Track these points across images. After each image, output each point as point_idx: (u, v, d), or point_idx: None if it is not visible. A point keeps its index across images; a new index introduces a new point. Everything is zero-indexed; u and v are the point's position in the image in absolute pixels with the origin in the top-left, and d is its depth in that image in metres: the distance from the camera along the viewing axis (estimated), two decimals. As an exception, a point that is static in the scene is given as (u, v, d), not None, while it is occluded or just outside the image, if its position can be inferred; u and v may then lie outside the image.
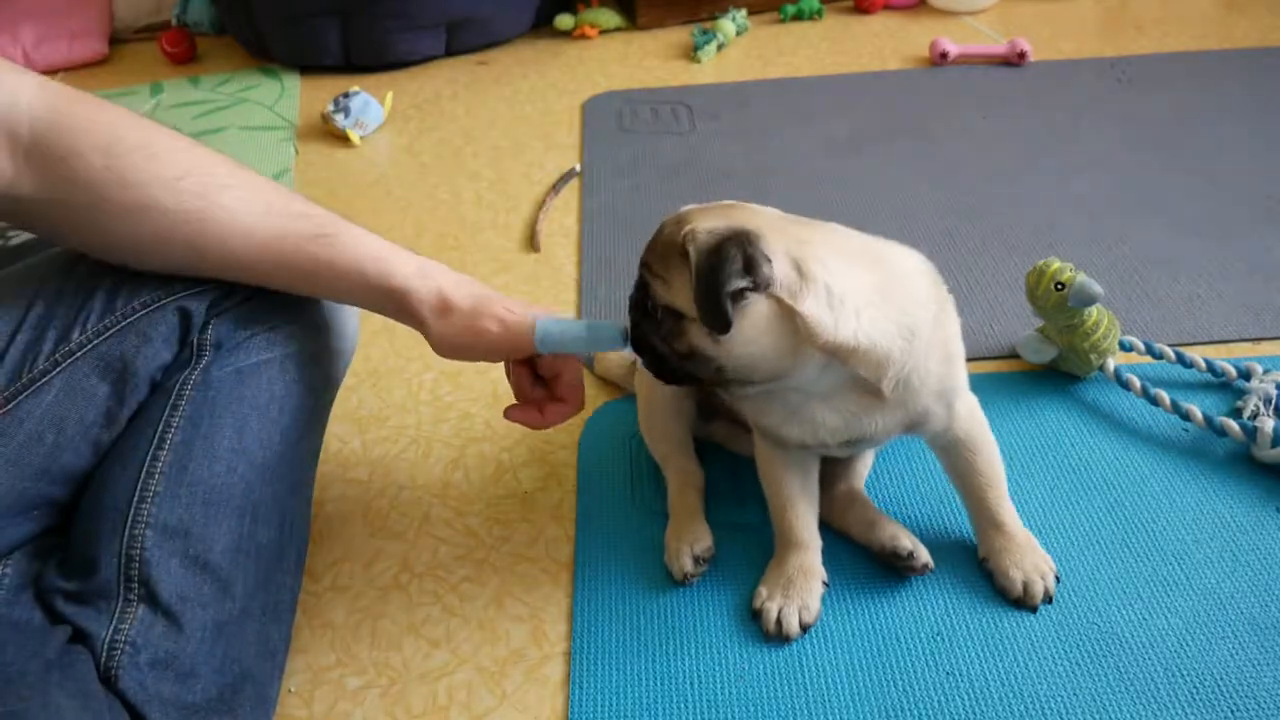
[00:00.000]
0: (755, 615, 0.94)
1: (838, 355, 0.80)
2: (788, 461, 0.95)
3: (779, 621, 0.92)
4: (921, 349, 0.83)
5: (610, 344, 0.87)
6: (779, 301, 0.77)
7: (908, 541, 0.96)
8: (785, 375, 0.81)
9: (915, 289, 0.84)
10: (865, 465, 1.06)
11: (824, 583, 0.95)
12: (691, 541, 0.99)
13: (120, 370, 0.84)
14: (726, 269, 0.75)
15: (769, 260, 0.76)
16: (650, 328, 0.84)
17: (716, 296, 0.75)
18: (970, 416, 0.94)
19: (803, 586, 0.94)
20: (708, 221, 0.79)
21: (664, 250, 0.81)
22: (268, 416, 0.88)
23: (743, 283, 0.76)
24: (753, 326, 0.78)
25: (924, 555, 0.95)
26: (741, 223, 0.79)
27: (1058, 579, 0.95)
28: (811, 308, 0.78)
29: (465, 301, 0.85)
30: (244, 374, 0.87)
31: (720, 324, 0.76)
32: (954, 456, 0.95)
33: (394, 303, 0.85)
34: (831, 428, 0.87)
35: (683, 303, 0.80)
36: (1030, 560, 0.95)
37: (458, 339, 0.86)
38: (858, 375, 0.82)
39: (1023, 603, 0.94)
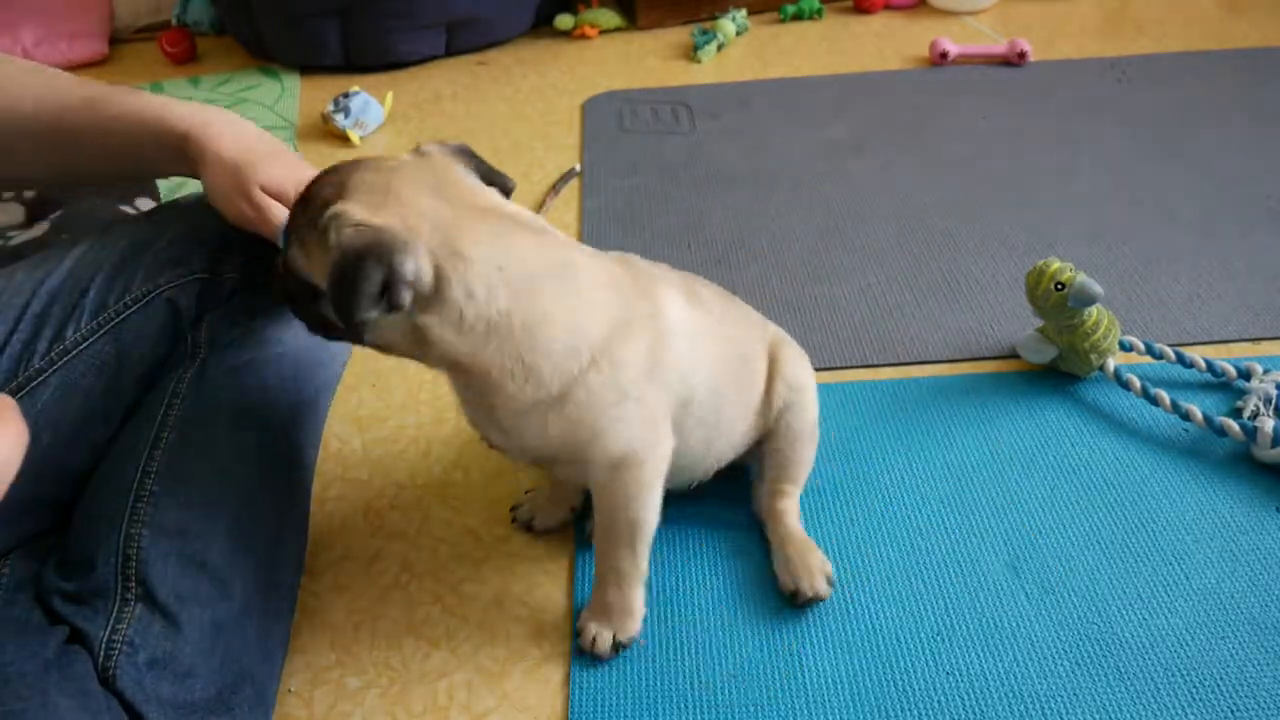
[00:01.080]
0: (513, 508, 1.01)
1: (454, 367, 0.77)
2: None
3: (522, 515, 1.01)
4: (553, 390, 0.76)
5: None
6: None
7: None
8: (419, 360, 0.78)
9: (587, 324, 0.77)
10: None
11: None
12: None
13: (115, 368, 0.84)
14: (361, 292, 0.68)
15: (407, 283, 0.69)
16: (284, 288, 0.78)
17: (349, 313, 0.69)
18: (617, 480, 0.83)
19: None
20: (358, 206, 0.70)
21: (310, 217, 0.72)
22: (263, 415, 0.88)
23: (374, 311, 0.69)
24: (378, 325, 0.74)
25: None
26: (394, 218, 0.70)
27: (620, 645, 0.91)
28: (433, 324, 0.73)
29: (232, 154, 0.83)
30: (238, 372, 0.87)
31: (351, 336, 0.73)
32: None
33: (173, 148, 0.84)
34: (479, 429, 0.84)
35: (319, 279, 0.73)
36: (614, 619, 0.91)
37: (217, 199, 0.85)
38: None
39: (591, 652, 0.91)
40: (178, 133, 0.83)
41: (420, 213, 0.72)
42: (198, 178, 0.86)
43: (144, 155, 0.86)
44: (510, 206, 0.79)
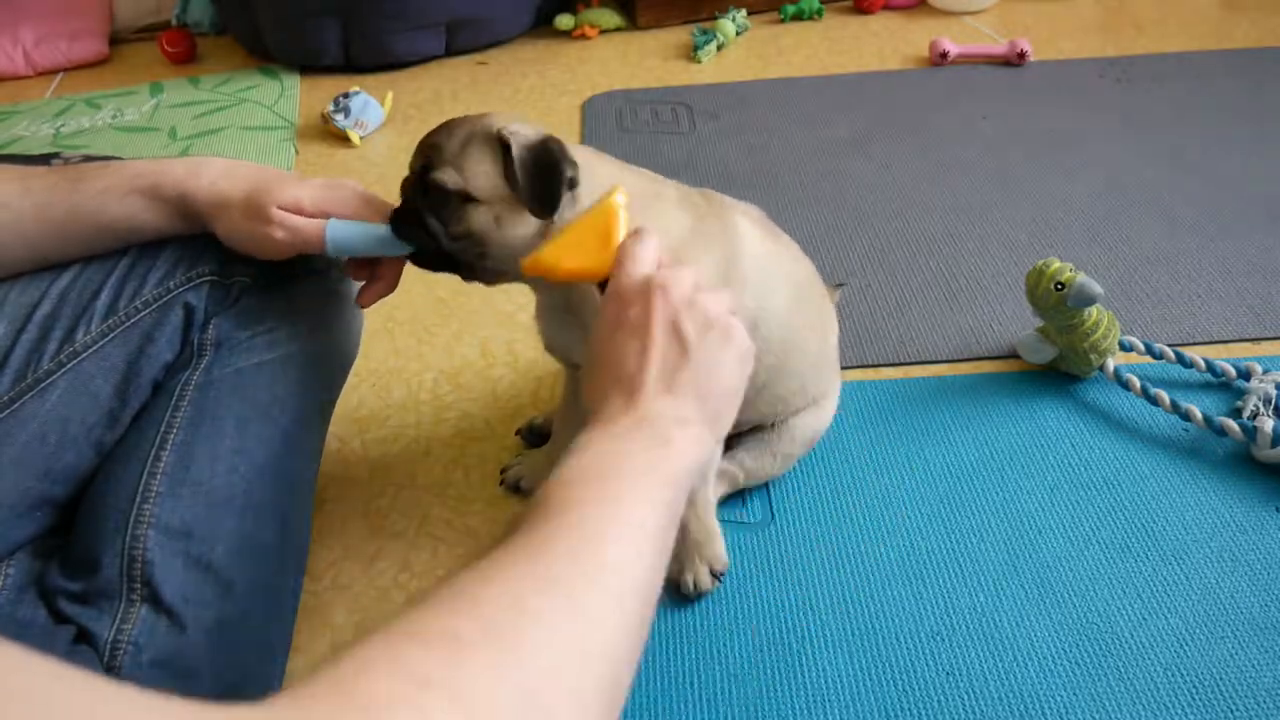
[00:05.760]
0: (503, 470, 1.12)
1: None
2: None
3: (511, 477, 1.10)
4: None
5: (401, 250, 0.89)
6: None
7: None
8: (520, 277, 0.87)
9: (664, 228, 0.85)
10: None
11: None
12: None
13: (124, 371, 0.84)
14: (565, 163, 0.81)
15: (575, 174, 0.83)
16: (428, 208, 0.86)
17: (556, 185, 0.81)
18: None
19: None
20: (520, 124, 0.84)
21: (464, 138, 0.84)
22: (269, 417, 0.88)
23: (571, 173, 0.82)
24: (515, 227, 0.83)
25: None
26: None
27: (718, 575, 0.98)
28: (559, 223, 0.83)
29: (239, 193, 0.83)
30: (245, 374, 0.87)
31: (551, 207, 0.82)
32: None
33: (175, 210, 0.84)
34: (547, 336, 0.94)
35: (481, 188, 0.83)
36: (704, 550, 0.97)
37: (243, 241, 0.84)
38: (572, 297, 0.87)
39: None
40: (172, 194, 0.83)
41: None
42: (191, 224, 0.85)
43: (138, 224, 0.85)
44: None
